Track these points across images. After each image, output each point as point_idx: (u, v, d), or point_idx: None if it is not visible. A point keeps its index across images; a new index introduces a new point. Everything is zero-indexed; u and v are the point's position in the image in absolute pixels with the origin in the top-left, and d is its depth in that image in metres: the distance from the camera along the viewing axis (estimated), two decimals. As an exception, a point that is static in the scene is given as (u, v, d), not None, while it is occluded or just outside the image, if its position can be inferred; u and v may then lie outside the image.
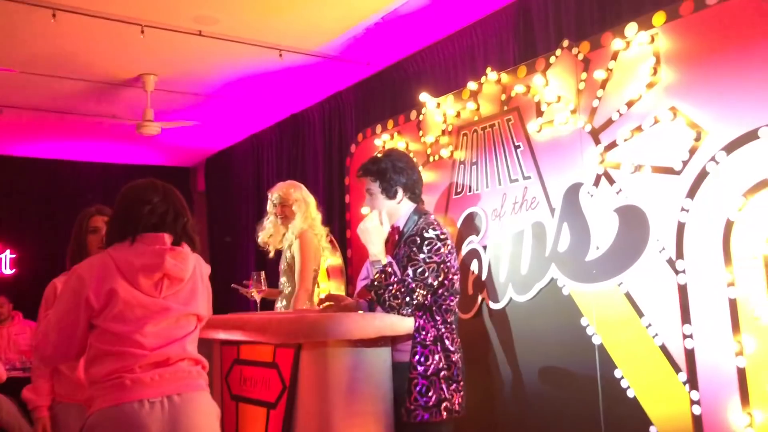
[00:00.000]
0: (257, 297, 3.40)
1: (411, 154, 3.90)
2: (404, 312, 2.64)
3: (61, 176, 8.21)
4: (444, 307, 2.73)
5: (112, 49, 5.08)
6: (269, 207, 4.07)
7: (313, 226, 4.02)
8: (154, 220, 2.11)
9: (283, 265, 4.06)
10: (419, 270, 2.65)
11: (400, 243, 2.82)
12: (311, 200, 4.09)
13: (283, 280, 4.07)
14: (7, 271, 7.93)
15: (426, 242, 2.69)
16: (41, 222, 7.92)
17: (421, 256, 2.67)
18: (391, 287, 2.64)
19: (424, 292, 2.66)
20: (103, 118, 6.69)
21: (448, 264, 2.73)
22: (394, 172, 2.83)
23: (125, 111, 6.47)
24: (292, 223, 3.98)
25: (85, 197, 7.56)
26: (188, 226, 2.18)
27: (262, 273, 3.40)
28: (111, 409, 1.95)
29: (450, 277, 2.75)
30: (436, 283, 2.69)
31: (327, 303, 2.98)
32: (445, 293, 2.74)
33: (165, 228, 2.12)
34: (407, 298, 2.62)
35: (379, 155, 2.98)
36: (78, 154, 8.18)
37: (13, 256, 8.01)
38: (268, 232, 4.08)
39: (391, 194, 2.84)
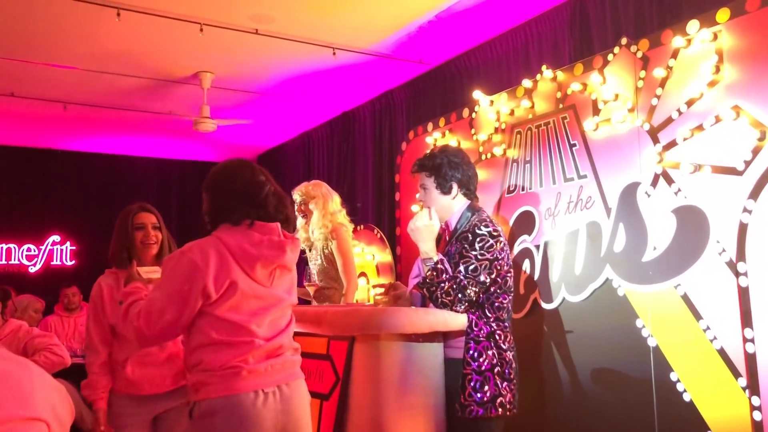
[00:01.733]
0: (311, 290, 3.46)
1: (464, 153, 3.90)
2: (457, 309, 2.64)
3: (119, 171, 8.45)
4: (497, 304, 2.71)
5: (172, 47, 5.22)
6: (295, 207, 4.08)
7: (334, 222, 3.98)
8: (274, 203, 2.08)
9: (316, 264, 4.05)
10: (471, 267, 2.64)
11: (452, 240, 2.82)
12: (331, 196, 4.05)
13: (317, 279, 4.00)
14: (69, 263, 8.22)
15: (478, 239, 2.68)
16: (100, 215, 8.15)
17: (473, 253, 2.66)
18: (443, 284, 2.64)
19: (476, 289, 2.65)
20: (160, 114, 6.87)
21: (501, 261, 2.71)
22: (449, 168, 2.82)
23: (182, 108, 6.63)
24: (310, 221, 3.99)
25: (141, 191, 7.79)
26: (292, 216, 2.16)
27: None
28: (227, 399, 1.96)
29: (503, 274, 2.73)
30: (488, 280, 2.67)
31: (381, 292, 2.97)
32: (498, 291, 2.72)
33: (273, 218, 2.09)
34: (459, 295, 2.62)
35: (434, 151, 2.98)
36: (135, 150, 8.41)
37: (74, 248, 8.30)
38: (300, 234, 4.12)
39: (446, 189, 2.83)
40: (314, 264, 4.06)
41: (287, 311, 2.17)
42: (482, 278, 2.65)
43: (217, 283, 1.97)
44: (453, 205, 2.85)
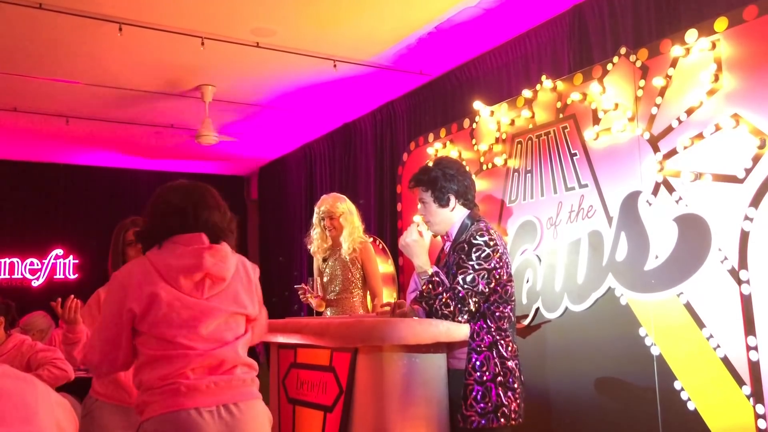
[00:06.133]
0: (313, 302, 3.46)
1: (463, 162, 3.91)
2: (459, 320, 2.64)
3: (121, 184, 8.48)
4: (497, 314, 2.70)
5: (174, 61, 5.24)
6: (315, 219, 4.18)
7: (361, 235, 4.15)
8: (175, 222, 2.03)
9: (335, 274, 4.14)
10: (469, 278, 2.64)
11: (451, 250, 2.83)
12: (354, 210, 4.20)
13: (336, 288, 4.11)
14: (72, 276, 8.23)
15: (474, 249, 2.67)
16: (102, 228, 8.13)
17: (470, 263, 2.65)
18: (440, 296, 2.64)
19: (476, 300, 2.64)
20: (161, 127, 6.90)
21: (500, 271, 2.70)
22: (444, 180, 2.83)
23: (183, 121, 6.66)
24: (342, 234, 4.08)
25: (143, 204, 7.79)
26: (216, 220, 2.07)
27: (318, 279, 3.46)
28: (167, 416, 1.89)
29: (503, 283, 2.72)
30: (487, 290, 2.66)
31: (386, 308, 3.00)
32: (498, 300, 2.70)
33: (193, 228, 2.04)
34: (459, 306, 2.61)
35: (429, 164, 2.99)
36: (137, 163, 8.44)
37: (77, 261, 8.31)
38: (317, 244, 4.18)
39: (443, 202, 2.84)
40: (329, 274, 4.12)
41: (233, 323, 2.05)
42: (481, 288, 2.64)
43: (138, 298, 1.94)
44: (452, 216, 2.85)
